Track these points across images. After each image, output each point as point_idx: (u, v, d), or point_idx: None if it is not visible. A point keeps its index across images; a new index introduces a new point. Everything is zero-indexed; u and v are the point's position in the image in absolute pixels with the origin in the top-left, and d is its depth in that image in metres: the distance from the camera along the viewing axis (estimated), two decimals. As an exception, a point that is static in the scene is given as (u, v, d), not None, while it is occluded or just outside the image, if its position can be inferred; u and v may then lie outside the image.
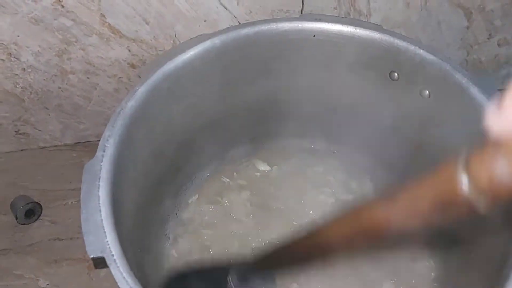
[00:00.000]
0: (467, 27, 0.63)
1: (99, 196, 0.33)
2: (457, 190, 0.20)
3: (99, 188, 0.33)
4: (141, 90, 0.39)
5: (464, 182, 0.20)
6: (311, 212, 0.51)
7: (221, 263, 0.45)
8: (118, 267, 0.30)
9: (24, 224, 0.57)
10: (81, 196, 0.33)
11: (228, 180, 0.54)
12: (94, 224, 0.31)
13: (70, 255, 0.55)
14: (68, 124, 0.62)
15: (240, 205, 0.52)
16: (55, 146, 0.64)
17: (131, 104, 0.38)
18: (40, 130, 0.62)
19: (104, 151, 0.35)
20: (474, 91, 0.39)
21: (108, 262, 0.30)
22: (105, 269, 0.54)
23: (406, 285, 0.45)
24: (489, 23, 0.63)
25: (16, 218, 0.57)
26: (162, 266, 0.46)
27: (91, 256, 0.30)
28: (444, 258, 0.46)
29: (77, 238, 0.57)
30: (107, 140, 0.36)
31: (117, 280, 0.29)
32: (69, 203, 0.59)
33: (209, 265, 0.45)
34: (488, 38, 0.65)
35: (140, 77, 0.39)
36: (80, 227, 0.56)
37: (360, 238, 0.28)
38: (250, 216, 0.51)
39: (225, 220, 0.51)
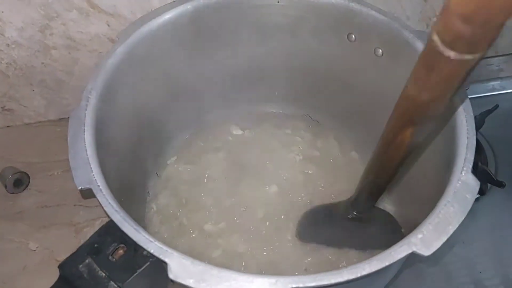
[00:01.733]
0: (425, 0, 0.68)
1: (84, 139, 0.36)
2: (433, 49, 0.23)
3: (84, 132, 0.37)
4: (119, 50, 0.42)
5: (435, 40, 0.23)
6: (280, 170, 0.55)
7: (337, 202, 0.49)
8: (104, 195, 0.33)
9: (13, 193, 0.60)
10: (68, 139, 0.36)
11: (204, 143, 0.58)
12: (81, 160, 0.35)
13: (58, 221, 0.58)
14: (52, 100, 0.65)
15: (216, 165, 0.56)
16: (40, 122, 0.67)
17: (110, 61, 0.42)
18: (25, 106, 0.64)
19: (87, 101, 0.39)
20: (420, 45, 0.44)
21: (95, 191, 0.34)
22: (92, 232, 0.58)
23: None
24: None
25: (6, 188, 0.59)
26: (142, 216, 0.50)
27: (79, 188, 0.34)
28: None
29: (64, 205, 0.60)
30: (90, 91, 0.39)
31: (103, 206, 0.33)
32: (55, 173, 0.62)
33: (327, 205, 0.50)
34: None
35: (118, 38, 0.43)
36: (66, 194, 0.60)
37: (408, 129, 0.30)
38: (225, 175, 0.55)
39: (201, 178, 0.54)
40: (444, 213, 0.31)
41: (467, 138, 0.36)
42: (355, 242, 0.47)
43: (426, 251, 0.30)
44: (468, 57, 0.23)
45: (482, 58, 0.23)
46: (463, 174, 0.34)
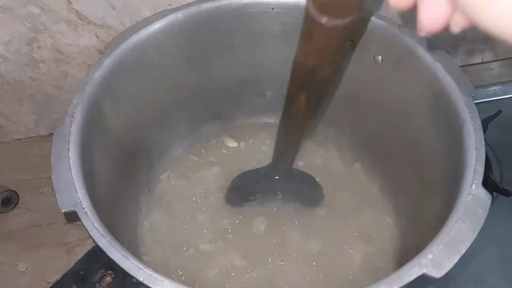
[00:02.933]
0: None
1: (69, 157, 0.34)
2: (309, 16, 0.26)
3: (69, 150, 0.35)
4: (107, 62, 0.40)
5: (309, 7, 0.25)
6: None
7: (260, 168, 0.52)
8: (89, 218, 0.31)
9: (1, 212, 0.58)
10: (51, 158, 0.34)
11: (198, 157, 0.56)
12: (65, 182, 0.33)
13: (48, 240, 0.56)
14: (42, 115, 0.63)
15: (212, 180, 0.54)
16: (30, 137, 0.65)
17: (97, 74, 0.40)
18: (14, 122, 0.62)
19: (72, 117, 0.37)
20: (421, 51, 0.42)
21: (79, 214, 0.31)
22: (83, 252, 0.56)
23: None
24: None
25: (-6, 207, 0.57)
26: (134, 234, 0.48)
27: (63, 211, 0.32)
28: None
29: (54, 223, 0.58)
30: (76, 107, 0.37)
31: (89, 230, 0.31)
32: (45, 191, 0.60)
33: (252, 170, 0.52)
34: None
35: (106, 50, 0.41)
36: (57, 213, 0.58)
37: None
38: (221, 190, 0.53)
39: (196, 194, 0.52)
40: (455, 231, 0.29)
41: (476, 148, 0.33)
42: (278, 199, 0.51)
43: (437, 273, 0.28)
44: (338, 22, 0.25)
45: (355, 23, 0.25)
46: (473, 187, 0.31)
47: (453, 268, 0.53)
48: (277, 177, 0.49)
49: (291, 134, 0.41)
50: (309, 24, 0.26)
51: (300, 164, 0.54)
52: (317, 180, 0.53)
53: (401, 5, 0.21)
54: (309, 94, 0.33)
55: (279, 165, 0.48)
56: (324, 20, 0.25)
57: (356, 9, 0.24)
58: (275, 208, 0.51)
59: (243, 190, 0.52)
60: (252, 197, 0.51)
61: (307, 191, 0.52)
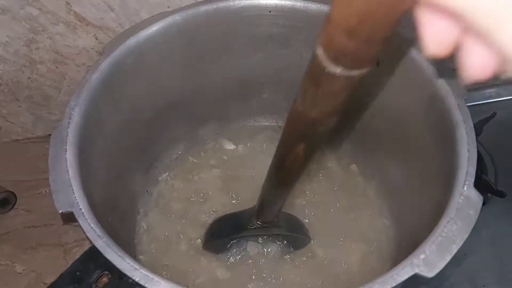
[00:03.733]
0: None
1: (66, 159, 0.34)
2: (319, 65, 0.22)
3: (66, 151, 0.35)
4: (105, 64, 0.41)
5: (320, 55, 0.22)
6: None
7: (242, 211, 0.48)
8: (86, 219, 0.31)
9: (-1, 213, 0.58)
10: (49, 160, 0.35)
11: (196, 159, 0.56)
12: (62, 183, 0.33)
13: (46, 241, 0.57)
14: (40, 116, 0.63)
15: (210, 182, 0.54)
16: (28, 138, 0.65)
17: (95, 76, 0.40)
18: (12, 123, 0.63)
19: (70, 118, 0.37)
20: (414, 53, 0.42)
21: (76, 215, 0.32)
22: (81, 253, 0.56)
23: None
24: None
25: (-9, 208, 0.58)
26: (132, 236, 0.48)
27: (60, 211, 0.32)
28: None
29: (52, 224, 0.58)
30: (73, 108, 0.37)
31: (85, 231, 0.31)
32: (43, 192, 0.61)
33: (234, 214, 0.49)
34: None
35: (104, 52, 0.41)
36: (54, 214, 0.58)
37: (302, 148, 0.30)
38: (219, 192, 0.53)
39: (194, 195, 0.53)
40: (447, 231, 0.30)
41: (468, 150, 0.34)
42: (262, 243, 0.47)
43: (429, 273, 0.28)
44: (354, 72, 0.22)
45: (368, 72, 0.22)
46: (465, 188, 0.32)
47: (448, 268, 0.53)
48: (260, 224, 0.45)
49: (281, 186, 0.36)
50: (318, 73, 0.23)
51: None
52: (305, 221, 0.50)
53: (439, 53, 0.19)
54: (307, 146, 0.29)
55: (264, 215, 0.43)
56: (338, 70, 0.21)
57: (375, 59, 0.21)
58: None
59: (223, 236, 0.48)
60: (232, 243, 0.48)
61: (293, 236, 0.48)
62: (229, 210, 0.51)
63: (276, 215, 0.44)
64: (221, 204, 0.52)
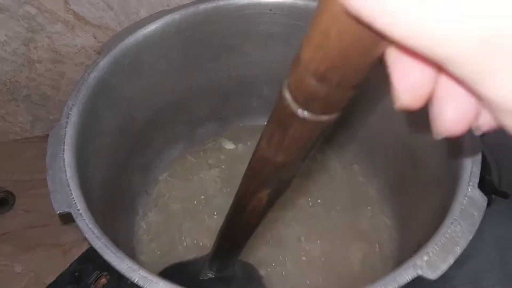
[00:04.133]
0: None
1: (64, 158, 0.34)
2: (286, 107, 0.20)
3: (63, 151, 0.34)
4: (103, 63, 0.40)
5: (287, 98, 0.20)
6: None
7: (194, 259, 0.45)
8: (84, 219, 0.31)
9: (-3, 213, 0.58)
10: (46, 159, 0.34)
11: (195, 159, 0.56)
12: (60, 183, 0.33)
13: (45, 241, 0.56)
14: (38, 115, 0.63)
15: (209, 182, 0.53)
16: (26, 138, 0.65)
17: (93, 75, 0.39)
18: (10, 122, 0.62)
19: (68, 118, 0.36)
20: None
21: (74, 216, 0.31)
22: (79, 253, 0.55)
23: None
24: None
25: (-11, 208, 0.57)
26: (131, 236, 0.47)
27: (58, 212, 0.31)
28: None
29: (51, 225, 0.57)
30: (71, 108, 0.37)
31: (83, 231, 0.30)
32: (42, 192, 0.60)
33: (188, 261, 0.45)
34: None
35: (102, 51, 0.41)
36: (53, 214, 0.58)
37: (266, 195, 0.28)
38: (219, 192, 0.53)
39: (194, 195, 0.52)
40: (451, 233, 0.29)
41: (472, 150, 0.33)
42: None
43: (432, 275, 0.28)
44: (324, 118, 0.20)
45: (339, 117, 0.20)
46: (469, 189, 0.31)
47: (450, 269, 0.53)
48: (215, 275, 0.42)
49: (239, 233, 0.34)
50: (285, 116, 0.21)
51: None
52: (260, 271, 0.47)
53: (412, 105, 0.17)
54: (271, 192, 0.27)
55: (220, 264, 0.40)
56: (306, 115, 0.20)
57: (347, 104, 0.20)
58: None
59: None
60: None
61: (248, 284, 0.45)
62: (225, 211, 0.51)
63: (232, 264, 0.41)
64: (221, 203, 0.52)
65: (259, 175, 0.26)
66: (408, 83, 0.16)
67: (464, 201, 0.31)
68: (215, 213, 0.51)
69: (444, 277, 0.53)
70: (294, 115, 0.20)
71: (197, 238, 0.49)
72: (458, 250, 0.28)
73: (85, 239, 0.55)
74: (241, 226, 0.32)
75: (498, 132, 0.58)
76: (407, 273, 0.27)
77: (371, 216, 0.49)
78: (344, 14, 0.15)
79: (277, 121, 0.22)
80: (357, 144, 0.55)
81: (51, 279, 0.54)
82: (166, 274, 0.44)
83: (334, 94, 0.19)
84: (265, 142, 0.24)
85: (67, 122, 0.36)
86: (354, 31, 0.16)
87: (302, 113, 0.20)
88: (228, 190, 0.53)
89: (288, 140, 0.22)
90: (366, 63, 0.17)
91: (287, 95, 0.20)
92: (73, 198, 0.32)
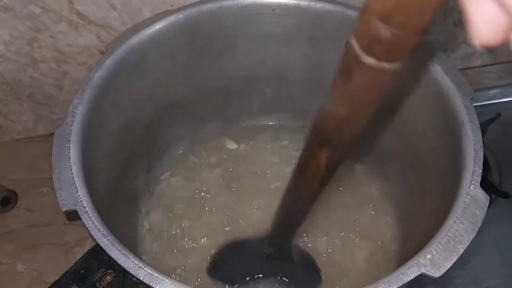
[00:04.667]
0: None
1: (69, 157, 0.34)
2: (352, 55, 0.20)
3: (69, 149, 0.35)
4: (108, 62, 0.41)
5: (352, 43, 0.20)
6: (279, 185, 0.53)
7: (253, 237, 0.45)
8: (90, 217, 0.31)
9: (0, 212, 0.58)
10: (52, 158, 0.35)
11: (198, 158, 0.56)
12: (66, 181, 0.33)
13: (47, 241, 0.56)
14: (41, 115, 0.63)
15: (212, 182, 0.54)
16: (29, 137, 0.65)
17: (98, 74, 0.40)
18: (13, 121, 0.62)
19: (73, 117, 0.37)
20: (420, 52, 0.42)
21: (80, 213, 0.31)
22: (82, 252, 0.56)
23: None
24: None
25: (-8, 207, 0.57)
26: (134, 235, 0.48)
27: (64, 210, 0.32)
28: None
29: (54, 224, 0.58)
30: (76, 107, 0.37)
31: (89, 229, 0.31)
32: (44, 191, 0.60)
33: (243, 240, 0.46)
34: (444, 19, 0.69)
35: (107, 50, 0.41)
36: (56, 213, 0.58)
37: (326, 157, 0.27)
38: (221, 192, 0.53)
39: (196, 195, 0.52)
40: (454, 231, 0.29)
41: (474, 150, 0.34)
42: (271, 281, 0.43)
43: (435, 273, 0.28)
44: (386, 65, 0.20)
45: (401, 69, 0.20)
46: (471, 188, 0.32)
47: (452, 269, 0.53)
48: (273, 255, 0.42)
49: (300, 201, 0.33)
50: (350, 64, 0.21)
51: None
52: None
53: (492, 41, 0.16)
54: (331, 154, 0.27)
55: (279, 239, 0.40)
56: (370, 60, 0.20)
57: (410, 52, 0.20)
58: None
59: (230, 266, 0.45)
60: (240, 280, 0.44)
61: (304, 274, 0.46)
62: (230, 209, 0.51)
63: (290, 242, 0.41)
64: (223, 202, 0.52)
65: (321, 133, 0.26)
66: (485, 18, 0.16)
67: (467, 200, 0.31)
68: (217, 212, 0.51)
69: (446, 277, 0.53)
70: (357, 60, 0.20)
71: (199, 238, 0.49)
72: (461, 249, 0.28)
73: (88, 237, 0.56)
74: (300, 193, 0.32)
75: (499, 133, 0.58)
76: (410, 271, 0.28)
77: (374, 215, 0.50)
78: None
79: (342, 71, 0.22)
80: (359, 144, 0.55)
81: (53, 278, 0.54)
82: (221, 254, 0.46)
83: (397, 37, 0.19)
84: (329, 96, 0.24)
85: (72, 121, 0.36)
86: None
87: (366, 58, 0.20)
88: (232, 189, 0.53)
89: (350, 89, 0.22)
90: (432, 3, 0.17)
91: (353, 41, 0.20)
92: (79, 195, 0.32)
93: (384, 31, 0.19)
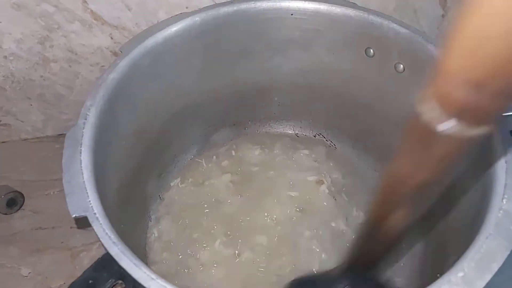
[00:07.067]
0: (442, 16, 0.65)
1: (81, 160, 0.33)
2: (428, 124, 0.19)
3: (81, 153, 0.33)
4: (122, 64, 0.39)
5: (428, 114, 0.19)
6: (292, 193, 0.51)
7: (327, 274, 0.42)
8: (100, 224, 0.30)
9: (5, 214, 0.56)
10: (63, 161, 0.33)
11: (209, 164, 0.55)
12: (77, 185, 0.32)
13: (53, 244, 0.55)
14: (51, 115, 0.62)
15: (223, 189, 0.52)
16: (37, 138, 0.64)
17: (112, 76, 0.38)
18: (22, 121, 0.61)
19: (85, 119, 0.35)
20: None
21: (90, 220, 0.30)
22: (88, 257, 0.54)
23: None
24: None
25: (-2, 208, 0.56)
26: (143, 243, 0.46)
27: (74, 216, 0.30)
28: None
29: (60, 227, 0.56)
30: (89, 109, 0.36)
31: (100, 237, 0.29)
32: (51, 193, 0.59)
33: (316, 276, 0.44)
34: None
35: (121, 52, 0.40)
36: (62, 216, 0.57)
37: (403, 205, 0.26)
38: (232, 199, 0.51)
39: (207, 202, 0.51)
40: (486, 248, 0.28)
41: (506, 162, 0.32)
42: None
43: (467, 292, 0.26)
44: (477, 131, 0.19)
45: (486, 133, 0.19)
46: (504, 202, 0.30)
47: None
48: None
49: (378, 249, 0.32)
50: (428, 131, 0.19)
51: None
52: None
53: None
54: (407, 212, 0.26)
55: (353, 273, 0.37)
56: (454, 129, 0.18)
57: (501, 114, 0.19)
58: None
59: None
60: None
61: None
62: (241, 216, 0.49)
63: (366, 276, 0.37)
64: (233, 209, 0.50)
65: (394, 194, 0.25)
66: None
67: (499, 215, 0.29)
68: (227, 219, 0.49)
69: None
70: (437, 130, 0.19)
71: (207, 248, 0.47)
72: (495, 267, 0.27)
73: (96, 242, 0.55)
74: (375, 245, 0.31)
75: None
76: (441, 291, 0.26)
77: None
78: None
79: (418, 137, 0.21)
80: (376, 152, 0.53)
81: (58, 283, 0.53)
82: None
83: (489, 103, 0.17)
84: (402, 159, 0.23)
85: (84, 123, 0.35)
86: None
87: (449, 128, 0.18)
88: (241, 195, 0.52)
89: (431, 157, 0.21)
90: None
91: (429, 110, 0.19)
92: (89, 201, 0.31)
93: (474, 99, 0.17)
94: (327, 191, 0.50)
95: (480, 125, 0.18)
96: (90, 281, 0.29)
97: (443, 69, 0.17)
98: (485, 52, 0.15)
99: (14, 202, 0.57)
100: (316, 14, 0.46)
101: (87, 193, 0.31)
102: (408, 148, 0.22)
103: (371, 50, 0.46)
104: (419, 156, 0.22)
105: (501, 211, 0.29)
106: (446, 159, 0.21)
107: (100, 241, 0.29)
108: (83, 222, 0.31)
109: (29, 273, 0.52)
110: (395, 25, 0.43)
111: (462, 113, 0.18)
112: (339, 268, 0.38)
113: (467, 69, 0.16)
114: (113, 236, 0.29)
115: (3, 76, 0.56)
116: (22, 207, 0.58)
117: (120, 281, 0.29)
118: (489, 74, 0.16)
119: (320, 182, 0.52)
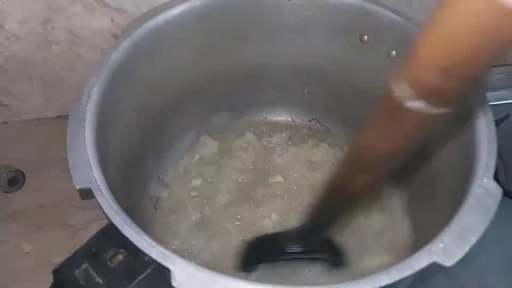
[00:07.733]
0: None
1: (84, 136, 0.34)
2: (398, 99, 0.22)
3: (84, 129, 0.35)
4: (124, 45, 0.41)
5: (399, 91, 0.21)
6: (283, 179, 0.53)
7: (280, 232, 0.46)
8: (104, 195, 0.31)
9: (7, 192, 0.58)
10: (67, 137, 0.35)
11: (208, 147, 0.56)
12: (81, 159, 0.33)
13: (53, 222, 0.56)
14: (51, 96, 0.63)
15: (220, 170, 0.53)
16: (38, 119, 0.65)
17: (115, 56, 0.40)
18: (23, 102, 0.63)
19: (88, 96, 0.37)
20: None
21: (94, 192, 0.32)
22: (88, 235, 0.56)
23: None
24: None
25: (0, 186, 0.57)
26: (143, 223, 0.48)
27: (78, 187, 0.32)
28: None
29: (60, 205, 0.58)
30: (92, 87, 0.37)
31: (103, 208, 0.31)
32: (52, 173, 0.60)
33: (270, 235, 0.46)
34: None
35: (123, 33, 0.41)
36: (62, 195, 0.58)
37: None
38: (231, 181, 0.53)
39: (205, 183, 0.52)
40: (466, 222, 0.30)
41: (488, 143, 0.34)
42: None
43: (447, 262, 0.28)
44: (440, 110, 0.21)
45: (447, 113, 0.22)
46: (485, 180, 0.32)
47: (458, 268, 0.53)
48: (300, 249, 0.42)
49: (337, 211, 0.35)
50: (397, 108, 0.22)
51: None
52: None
53: None
54: (369, 180, 0.29)
55: (309, 234, 0.40)
56: (422, 108, 0.21)
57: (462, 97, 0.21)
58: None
59: (258, 259, 0.45)
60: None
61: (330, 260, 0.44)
62: (239, 198, 0.51)
63: (321, 237, 0.41)
64: (230, 192, 0.52)
65: (359, 161, 0.28)
66: None
67: (480, 192, 0.31)
68: (226, 202, 0.51)
69: (450, 276, 0.53)
70: (406, 107, 0.21)
71: (206, 229, 0.49)
72: (474, 239, 0.29)
73: (95, 220, 0.56)
74: (334, 207, 0.34)
75: (507, 134, 0.57)
76: (423, 260, 0.28)
77: (386, 209, 0.49)
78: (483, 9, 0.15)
79: (387, 112, 0.24)
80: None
81: (59, 259, 0.54)
82: (251, 246, 0.46)
83: (454, 87, 0.20)
84: (370, 130, 0.26)
85: (87, 101, 0.36)
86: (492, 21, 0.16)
87: (417, 103, 0.21)
88: (239, 179, 0.53)
89: (397, 131, 0.24)
90: (492, 56, 0.17)
91: (405, 87, 0.21)
92: (93, 174, 0.32)
93: (444, 83, 0.19)
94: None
95: (442, 106, 0.21)
96: (93, 249, 0.31)
97: (417, 56, 0.20)
98: (455, 45, 0.18)
99: (16, 180, 0.58)
100: (313, 0, 0.47)
101: (91, 166, 0.33)
102: (377, 121, 0.25)
103: (365, 37, 0.48)
104: (386, 128, 0.24)
105: (481, 188, 0.31)
106: (408, 133, 0.24)
107: (103, 211, 0.31)
108: (86, 194, 0.32)
109: (30, 249, 0.54)
110: (389, 12, 0.45)
111: (429, 94, 0.20)
112: (297, 229, 0.40)
113: (438, 58, 0.18)
114: (115, 206, 0.31)
115: (5, 57, 0.57)
116: (23, 186, 0.59)
117: (122, 250, 0.31)
118: (456, 64, 0.18)
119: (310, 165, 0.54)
